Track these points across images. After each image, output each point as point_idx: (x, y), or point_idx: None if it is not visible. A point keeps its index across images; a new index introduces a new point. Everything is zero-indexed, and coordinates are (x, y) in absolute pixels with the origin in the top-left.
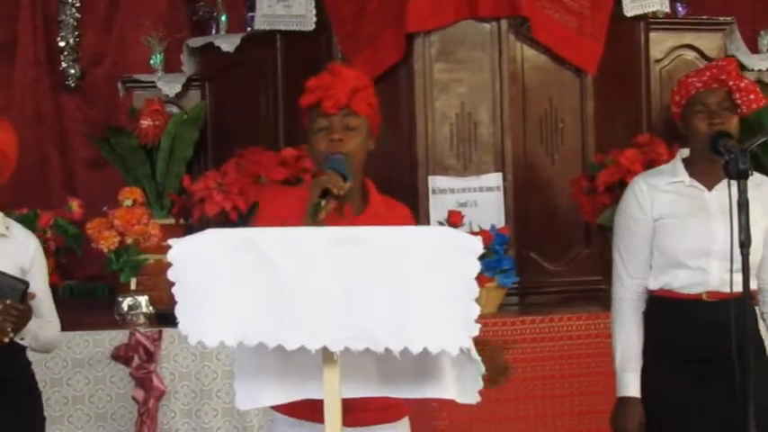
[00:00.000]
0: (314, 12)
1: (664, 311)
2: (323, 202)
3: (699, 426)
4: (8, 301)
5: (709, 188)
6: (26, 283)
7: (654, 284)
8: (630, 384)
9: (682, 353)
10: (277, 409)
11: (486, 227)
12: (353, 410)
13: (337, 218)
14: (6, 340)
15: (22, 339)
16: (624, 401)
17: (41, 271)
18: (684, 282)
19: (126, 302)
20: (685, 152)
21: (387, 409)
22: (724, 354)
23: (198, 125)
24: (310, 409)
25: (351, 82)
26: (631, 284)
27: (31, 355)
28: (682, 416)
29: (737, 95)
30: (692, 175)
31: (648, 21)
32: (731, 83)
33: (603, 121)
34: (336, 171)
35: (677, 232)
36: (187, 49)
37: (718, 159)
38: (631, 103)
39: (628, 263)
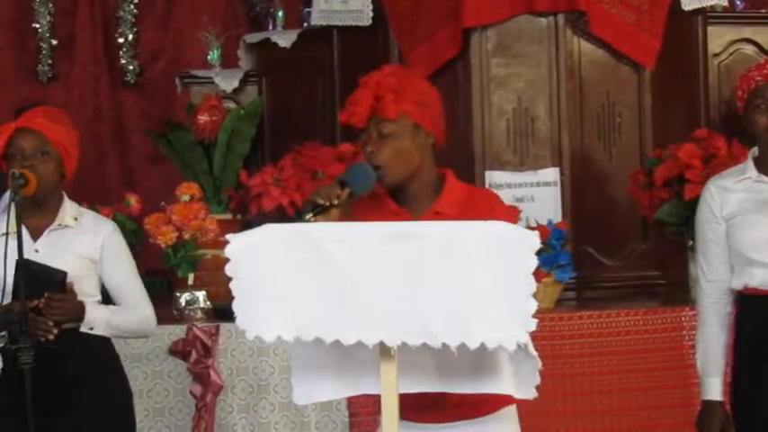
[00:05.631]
0: (370, 7)
1: (747, 311)
2: (309, 216)
3: None
4: (47, 296)
5: None
6: (63, 273)
7: (736, 285)
8: (711, 388)
9: (766, 350)
10: None
11: (543, 222)
12: (448, 406)
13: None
14: (51, 337)
15: (91, 329)
16: (706, 405)
17: (116, 258)
18: (762, 279)
19: (184, 297)
20: (757, 150)
21: (485, 403)
22: None
23: (255, 120)
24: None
25: (373, 90)
26: (709, 288)
27: (117, 346)
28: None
29: None
30: (760, 170)
31: (707, 15)
32: None
33: (661, 115)
34: (341, 181)
35: (743, 229)
36: (244, 44)
37: None
38: (689, 98)
39: (705, 266)
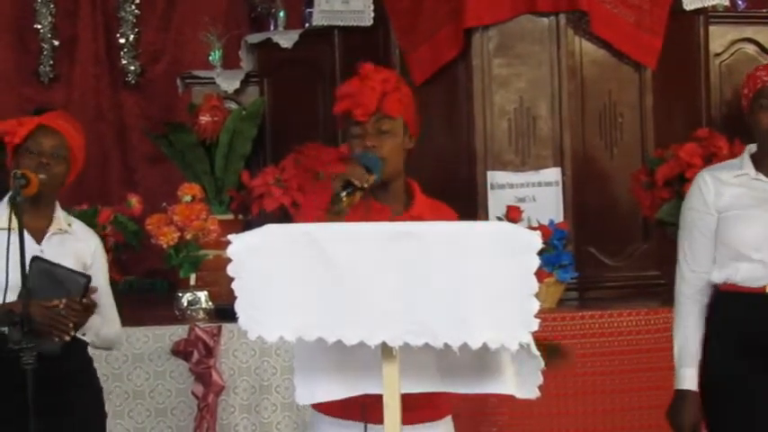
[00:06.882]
0: (372, 7)
1: (727, 305)
2: (343, 194)
3: (763, 418)
4: (69, 297)
5: None
6: (88, 278)
7: (717, 278)
8: (687, 378)
9: (745, 346)
10: (317, 408)
11: (545, 222)
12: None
13: (373, 218)
14: (67, 338)
15: (83, 335)
16: (680, 395)
17: (102, 269)
18: (746, 275)
19: (185, 298)
20: (753, 147)
21: (426, 409)
22: None
23: (256, 121)
24: (345, 408)
25: (379, 86)
26: (692, 278)
27: (90, 350)
28: (745, 409)
29: None
30: (758, 168)
31: (708, 14)
32: None
33: (662, 115)
34: (364, 165)
35: (739, 224)
36: (245, 45)
37: None
38: (691, 98)
39: (690, 257)
